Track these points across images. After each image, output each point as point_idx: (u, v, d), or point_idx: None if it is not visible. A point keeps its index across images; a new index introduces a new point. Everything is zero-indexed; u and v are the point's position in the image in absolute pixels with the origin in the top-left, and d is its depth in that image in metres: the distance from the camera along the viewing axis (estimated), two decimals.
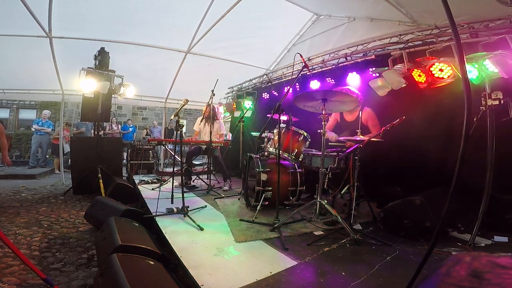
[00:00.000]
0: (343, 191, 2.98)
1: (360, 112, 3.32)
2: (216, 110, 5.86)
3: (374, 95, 3.49)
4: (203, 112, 4.94)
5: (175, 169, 3.83)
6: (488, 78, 2.45)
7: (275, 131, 3.29)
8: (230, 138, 6.67)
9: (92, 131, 7.95)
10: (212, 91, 4.23)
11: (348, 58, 4.01)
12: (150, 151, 6.90)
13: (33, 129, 8.43)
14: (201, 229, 2.64)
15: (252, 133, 5.10)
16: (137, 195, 4.39)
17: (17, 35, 4.64)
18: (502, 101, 2.36)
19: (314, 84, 4.41)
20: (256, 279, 1.75)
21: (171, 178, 3.52)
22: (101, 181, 4.50)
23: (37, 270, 1.66)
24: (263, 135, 3.46)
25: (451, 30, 1.00)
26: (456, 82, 2.77)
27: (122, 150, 6.75)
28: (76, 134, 8.83)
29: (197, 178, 4.79)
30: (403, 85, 3.09)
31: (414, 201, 2.50)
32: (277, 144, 3.03)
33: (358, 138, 2.79)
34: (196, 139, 4.91)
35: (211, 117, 4.69)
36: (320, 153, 2.77)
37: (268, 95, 5.71)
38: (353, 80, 3.86)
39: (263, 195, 3.13)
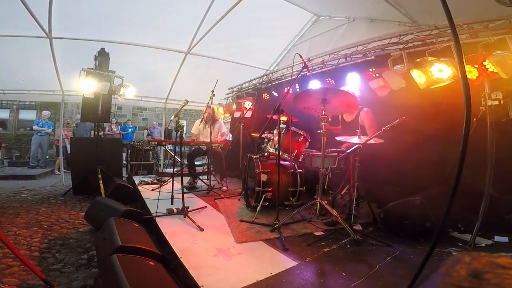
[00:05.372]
0: (343, 191, 2.98)
1: (359, 112, 3.33)
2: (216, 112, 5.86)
3: (374, 95, 3.49)
4: (204, 113, 4.94)
5: (175, 169, 3.83)
6: (487, 78, 2.45)
7: (275, 131, 3.29)
8: (230, 139, 6.67)
9: (92, 131, 7.97)
10: (212, 91, 4.23)
11: (348, 58, 4.01)
12: (150, 152, 6.90)
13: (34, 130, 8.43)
14: (201, 229, 2.64)
15: (252, 134, 5.10)
16: (137, 195, 4.38)
17: (17, 36, 4.65)
18: (501, 101, 2.36)
19: (314, 85, 4.41)
20: (256, 280, 1.75)
21: (171, 179, 3.52)
22: (101, 181, 4.50)
23: (37, 270, 1.66)
24: (263, 135, 3.47)
25: (450, 30, 1.00)
26: (456, 82, 2.77)
27: (121, 151, 6.76)
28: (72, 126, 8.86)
29: (197, 178, 4.79)
30: (403, 86, 3.09)
31: (414, 201, 2.50)
32: (277, 145, 3.03)
33: (358, 139, 2.79)
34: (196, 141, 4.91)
35: (211, 118, 4.68)
36: (320, 153, 2.77)
37: (268, 95, 5.71)
38: (353, 81, 3.86)
39: (263, 195, 3.13)
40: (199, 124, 5.02)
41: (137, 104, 10.54)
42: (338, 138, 3.01)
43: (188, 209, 3.08)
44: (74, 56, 5.20)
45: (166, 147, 6.84)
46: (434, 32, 3.02)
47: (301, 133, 3.24)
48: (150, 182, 5.05)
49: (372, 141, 2.67)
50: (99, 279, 1.56)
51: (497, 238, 2.46)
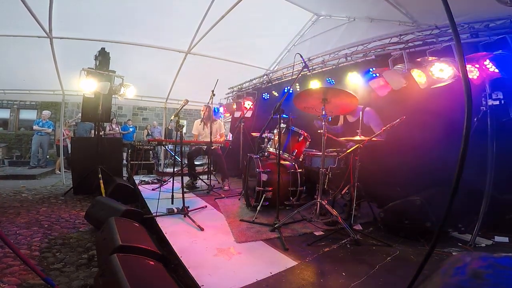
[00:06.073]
0: (343, 191, 2.97)
1: (361, 112, 3.32)
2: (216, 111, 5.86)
3: (375, 95, 3.48)
4: (202, 113, 4.94)
5: (175, 169, 3.83)
6: (488, 77, 2.45)
7: (275, 131, 3.29)
8: (230, 139, 6.68)
9: (92, 131, 7.98)
10: (212, 91, 4.23)
11: (348, 58, 4.01)
12: (150, 152, 6.90)
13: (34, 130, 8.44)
14: (201, 229, 2.64)
15: (252, 134, 5.10)
16: (137, 195, 4.39)
17: (18, 36, 4.65)
18: (502, 101, 2.36)
19: (315, 84, 4.41)
20: (256, 279, 1.75)
21: (171, 179, 3.53)
22: (101, 181, 4.50)
23: (37, 270, 1.66)
24: (263, 135, 3.46)
25: (451, 30, 1.00)
26: (457, 82, 2.77)
27: (122, 150, 6.76)
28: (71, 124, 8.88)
29: (197, 179, 4.79)
30: (403, 85, 3.08)
31: (414, 201, 2.50)
32: (277, 145, 3.03)
33: (358, 139, 2.79)
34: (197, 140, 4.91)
35: (210, 118, 4.68)
36: (320, 153, 2.77)
37: (268, 95, 5.71)
38: (354, 81, 3.85)
39: (263, 195, 3.13)
40: (199, 124, 5.02)
41: (138, 104, 10.55)
42: (340, 139, 3.00)
43: (188, 209, 3.08)
44: (74, 56, 5.20)
45: (166, 147, 6.84)
46: (435, 32, 3.01)
47: (301, 132, 3.24)
48: (150, 181, 5.06)
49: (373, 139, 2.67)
50: (99, 279, 1.56)
51: (497, 238, 2.46)
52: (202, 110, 4.90)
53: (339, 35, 4.68)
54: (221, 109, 7.08)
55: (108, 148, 5.09)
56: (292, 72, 4.42)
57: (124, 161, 7.26)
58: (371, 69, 3.64)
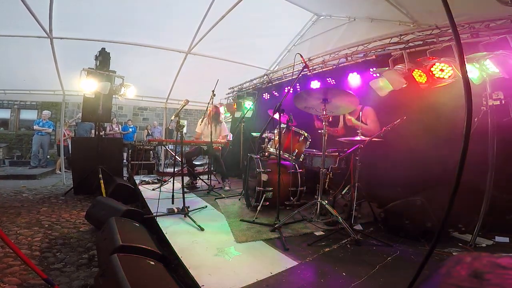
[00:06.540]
0: (343, 191, 2.98)
1: (360, 112, 3.33)
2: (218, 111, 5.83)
3: (375, 95, 3.48)
4: (208, 111, 4.91)
5: (176, 169, 3.83)
6: (488, 77, 2.45)
7: (275, 131, 3.29)
8: (231, 139, 6.68)
9: (92, 131, 7.99)
10: (213, 91, 4.23)
11: (349, 58, 4.01)
12: (151, 152, 6.90)
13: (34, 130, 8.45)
14: (202, 229, 2.64)
15: (252, 134, 5.10)
16: (138, 195, 4.39)
17: (18, 36, 4.65)
18: (503, 101, 2.35)
19: (315, 85, 4.41)
20: (256, 280, 1.75)
21: (171, 179, 3.53)
22: (102, 181, 4.50)
23: (37, 270, 1.66)
24: (264, 135, 3.46)
25: (451, 30, 1.00)
26: (457, 82, 2.76)
27: (122, 151, 6.77)
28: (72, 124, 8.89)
29: (198, 178, 4.79)
30: (404, 86, 3.08)
31: (414, 201, 2.50)
32: (277, 145, 3.03)
33: (358, 139, 2.79)
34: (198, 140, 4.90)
35: (212, 117, 4.67)
36: (321, 153, 2.77)
37: (268, 95, 5.71)
38: (354, 81, 3.85)
39: (264, 195, 3.13)
40: (200, 124, 5.02)
41: (138, 104, 10.55)
42: (341, 139, 3.00)
43: (189, 209, 3.08)
44: (75, 56, 5.20)
45: (167, 146, 6.84)
46: (435, 32, 3.01)
47: (302, 132, 3.24)
48: (150, 181, 5.05)
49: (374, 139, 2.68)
50: (100, 279, 1.56)
51: (498, 239, 2.45)
52: (210, 110, 4.89)
53: (339, 35, 4.68)
54: (222, 109, 7.08)
55: (108, 148, 5.09)
56: (292, 72, 4.42)
57: (125, 161, 7.27)
58: (371, 69, 3.64)
